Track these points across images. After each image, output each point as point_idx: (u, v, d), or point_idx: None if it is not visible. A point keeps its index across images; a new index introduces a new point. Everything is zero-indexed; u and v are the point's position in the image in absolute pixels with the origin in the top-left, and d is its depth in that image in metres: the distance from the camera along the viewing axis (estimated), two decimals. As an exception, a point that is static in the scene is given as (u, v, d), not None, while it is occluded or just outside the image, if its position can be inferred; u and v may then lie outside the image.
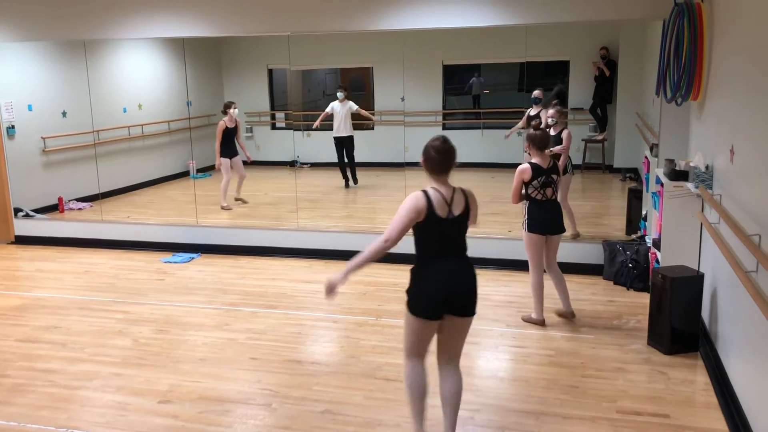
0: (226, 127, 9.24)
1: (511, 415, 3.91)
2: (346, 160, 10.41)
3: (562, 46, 10.27)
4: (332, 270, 6.74)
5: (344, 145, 10.31)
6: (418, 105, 10.97)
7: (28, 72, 8.61)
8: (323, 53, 11.39)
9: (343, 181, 10.45)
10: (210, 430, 3.83)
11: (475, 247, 6.95)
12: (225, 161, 9.29)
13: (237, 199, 9.34)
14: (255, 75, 12.06)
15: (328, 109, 10.37)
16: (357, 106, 10.36)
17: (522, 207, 5.40)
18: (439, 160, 3.41)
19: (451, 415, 3.50)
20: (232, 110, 9.25)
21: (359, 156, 10.53)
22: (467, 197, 3.50)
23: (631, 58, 9.72)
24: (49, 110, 8.84)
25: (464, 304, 3.52)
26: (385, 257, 7.54)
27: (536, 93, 8.54)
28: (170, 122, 10.40)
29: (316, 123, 10.51)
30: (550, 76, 11.38)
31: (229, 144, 9.34)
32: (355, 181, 10.45)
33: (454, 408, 3.50)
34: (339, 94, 10.33)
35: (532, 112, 8.49)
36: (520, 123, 8.94)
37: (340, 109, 10.28)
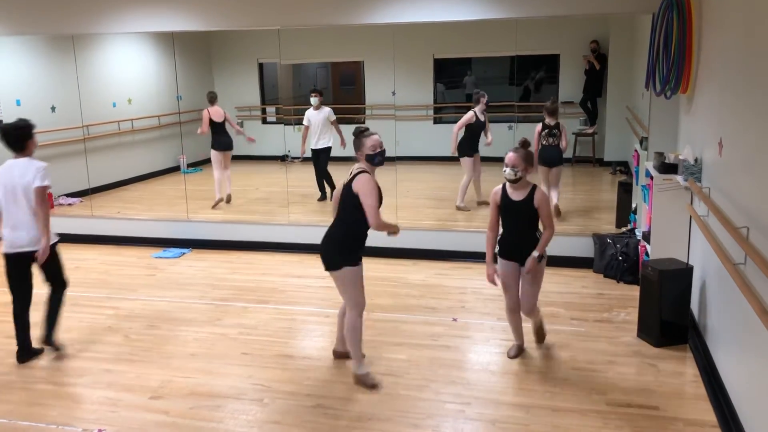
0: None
1: (501, 408, 3.93)
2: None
3: (552, 39, 10.28)
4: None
5: (321, 156, 9.03)
6: (409, 99, 10.97)
7: (17, 67, 8.55)
8: (314, 47, 11.36)
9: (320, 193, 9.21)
10: (201, 426, 3.83)
11: (466, 241, 7.03)
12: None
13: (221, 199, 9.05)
14: (245, 69, 12.01)
15: (305, 122, 9.05)
16: (334, 116, 9.03)
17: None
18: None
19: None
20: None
21: (351, 150, 10.51)
22: (351, 178, 4.18)
23: (621, 51, 9.74)
24: (38, 105, 8.78)
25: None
26: (378, 252, 7.57)
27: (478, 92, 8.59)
28: (160, 117, 10.36)
29: (302, 149, 9.11)
30: (540, 70, 11.40)
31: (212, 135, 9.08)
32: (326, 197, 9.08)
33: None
34: (313, 100, 8.95)
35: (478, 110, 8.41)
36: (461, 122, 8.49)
37: (316, 117, 8.97)
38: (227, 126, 9.07)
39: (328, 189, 9.03)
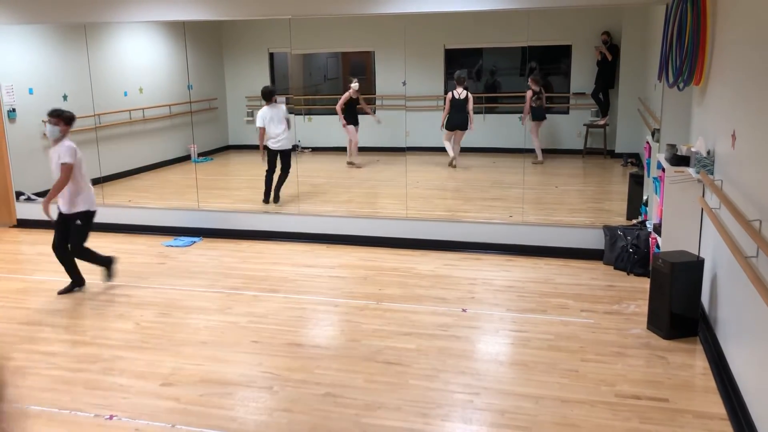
0: (350, 98, 10.23)
1: (510, 398, 3.94)
2: (278, 173, 8.44)
3: (564, 30, 10.23)
4: (333, 254, 6.79)
5: (283, 157, 8.45)
6: (419, 89, 10.94)
7: (29, 55, 8.58)
8: (324, 37, 11.34)
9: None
10: (212, 413, 3.86)
11: (475, 232, 7.03)
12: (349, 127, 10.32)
13: (349, 163, 10.44)
14: (256, 59, 12.02)
15: (259, 122, 8.28)
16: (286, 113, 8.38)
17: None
18: None
19: None
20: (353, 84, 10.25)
21: (361, 140, 10.52)
22: None
23: (633, 42, 9.68)
24: (50, 94, 8.82)
25: None
26: (388, 242, 7.59)
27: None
28: (171, 106, 10.38)
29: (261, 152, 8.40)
30: (552, 61, 11.35)
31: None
32: (277, 199, 8.42)
33: None
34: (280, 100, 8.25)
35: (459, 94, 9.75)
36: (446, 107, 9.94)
37: (274, 115, 8.28)
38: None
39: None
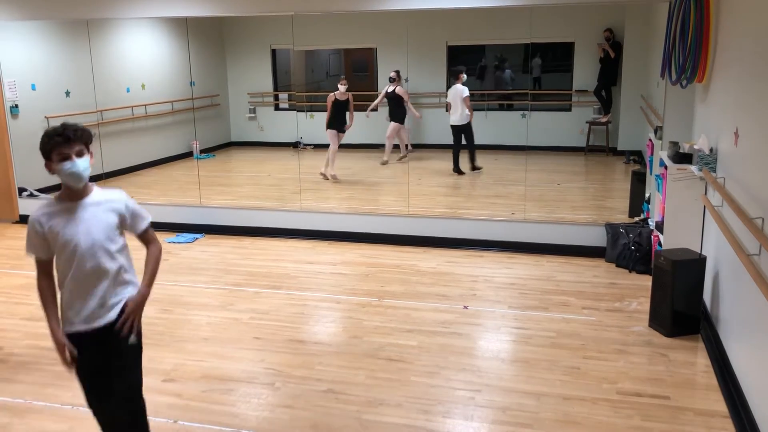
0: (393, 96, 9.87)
1: (512, 395, 3.94)
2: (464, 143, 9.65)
3: (567, 27, 10.21)
4: (335, 251, 6.80)
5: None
6: (422, 86, 10.93)
7: (32, 51, 8.59)
8: (327, 33, 11.33)
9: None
10: (213, 409, 3.87)
11: (477, 229, 7.02)
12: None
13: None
14: (258, 55, 12.02)
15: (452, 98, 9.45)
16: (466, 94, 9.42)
17: None
18: None
19: None
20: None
21: (358, 138, 10.51)
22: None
23: (636, 40, 9.67)
24: (53, 90, 8.83)
25: None
26: (389, 239, 7.59)
27: (392, 74, 9.94)
28: (173, 102, 10.39)
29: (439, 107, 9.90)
30: (554, 58, 11.34)
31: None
32: (474, 168, 9.57)
33: None
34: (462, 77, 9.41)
35: (389, 89, 9.78)
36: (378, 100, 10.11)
37: (454, 93, 9.48)
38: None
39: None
